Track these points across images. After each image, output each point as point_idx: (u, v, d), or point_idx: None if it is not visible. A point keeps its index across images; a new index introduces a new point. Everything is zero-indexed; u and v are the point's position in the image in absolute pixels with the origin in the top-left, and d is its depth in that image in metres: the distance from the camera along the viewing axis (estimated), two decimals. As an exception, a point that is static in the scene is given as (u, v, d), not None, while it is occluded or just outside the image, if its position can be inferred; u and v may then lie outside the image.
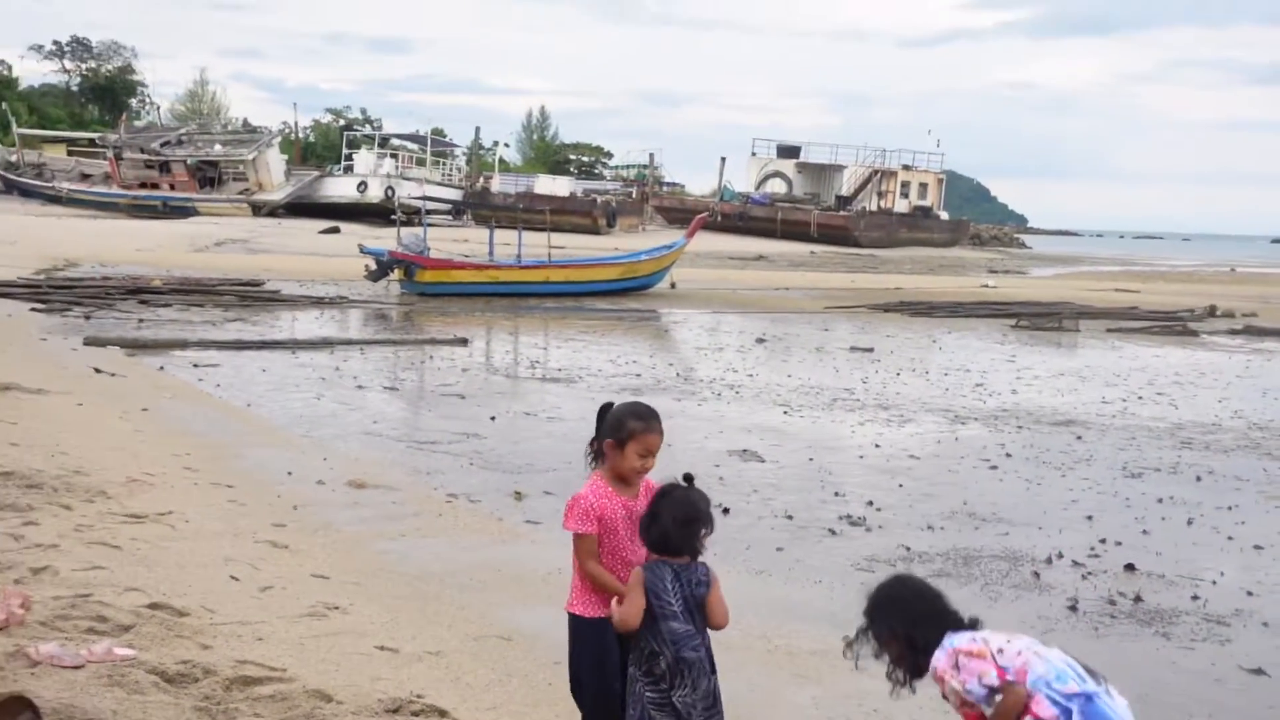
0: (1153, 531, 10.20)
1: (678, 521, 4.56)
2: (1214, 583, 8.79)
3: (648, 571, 4.60)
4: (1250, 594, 8.55)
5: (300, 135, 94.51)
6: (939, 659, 3.95)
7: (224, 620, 6.50)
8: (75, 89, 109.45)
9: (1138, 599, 8.30)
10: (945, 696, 4.05)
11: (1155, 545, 9.76)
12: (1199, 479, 12.39)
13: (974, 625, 4.07)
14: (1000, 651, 3.89)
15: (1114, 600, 8.27)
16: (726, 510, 10.28)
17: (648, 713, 4.51)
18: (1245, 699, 6.64)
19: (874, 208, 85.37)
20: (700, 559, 4.68)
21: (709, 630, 4.73)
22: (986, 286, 44.43)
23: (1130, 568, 9.03)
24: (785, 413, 15.68)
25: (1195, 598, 8.41)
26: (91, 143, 79.57)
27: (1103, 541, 9.75)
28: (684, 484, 4.69)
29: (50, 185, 72.01)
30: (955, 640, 3.96)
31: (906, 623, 4.08)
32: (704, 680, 4.58)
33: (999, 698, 3.81)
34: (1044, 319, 30.49)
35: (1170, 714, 6.36)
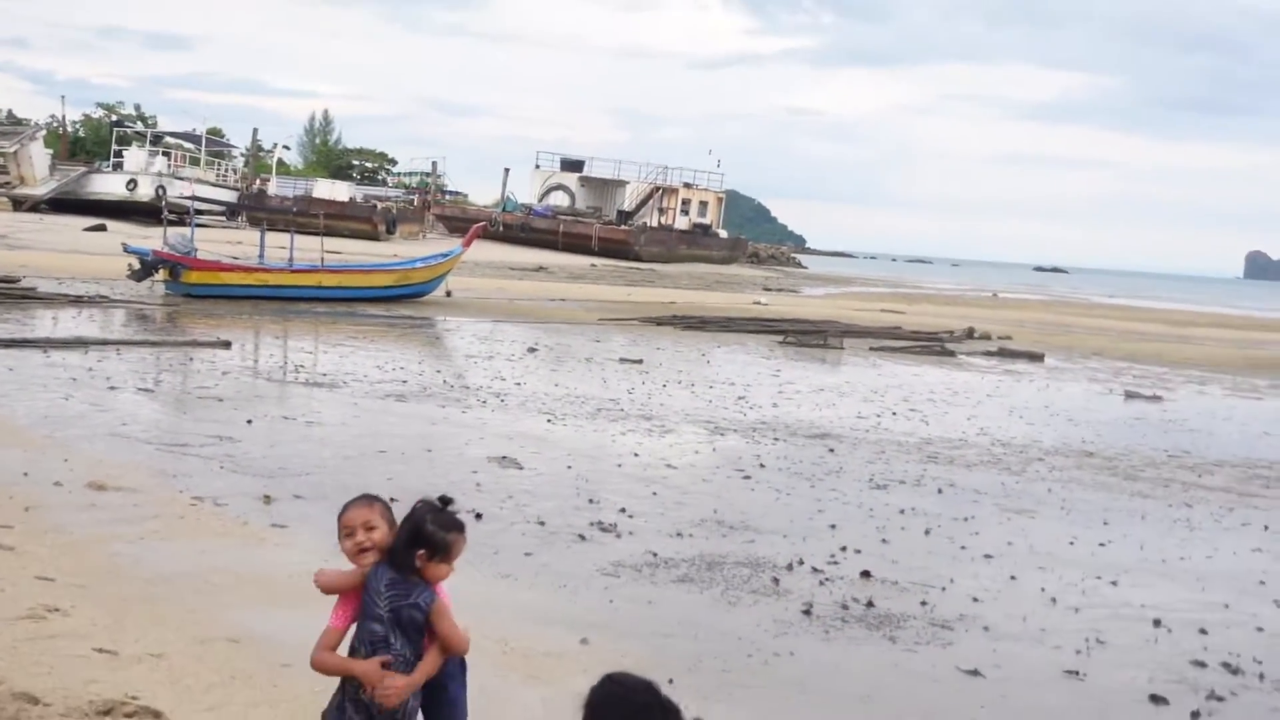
0: (892, 540, 10.57)
1: (401, 538, 4.51)
2: (943, 589, 9.15)
3: (373, 568, 4.56)
4: (976, 600, 8.93)
5: (68, 129, 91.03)
6: None
7: (-68, 623, 6.24)
8: None
9: (870, 604, 8.59)
10: None
11: (893, 554, 10.11)
12: (940, 491, 12.89)
13: None
14: None
15: (847, 605, 8.54)
16: (479, 516, 10.29)
17: (346, 705, 4.48)
18: (960, 699, 6.94)
19: (655, 223, 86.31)
20: (430, 584, 4.54)
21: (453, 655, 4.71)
22: (759, 304, 45.35)
23: (866, 574, 9.34)
24: (549, 421, 15.75)
25: (924, 603, 8.75)
26: None
27: (843, 549, 10.05)
28: (433, 504, 4.60)
29: None
30: None
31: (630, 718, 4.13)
32: None
33: None
34: (810, 336, 31.27)
35: (888, 713, 6.60)
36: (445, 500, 4.64)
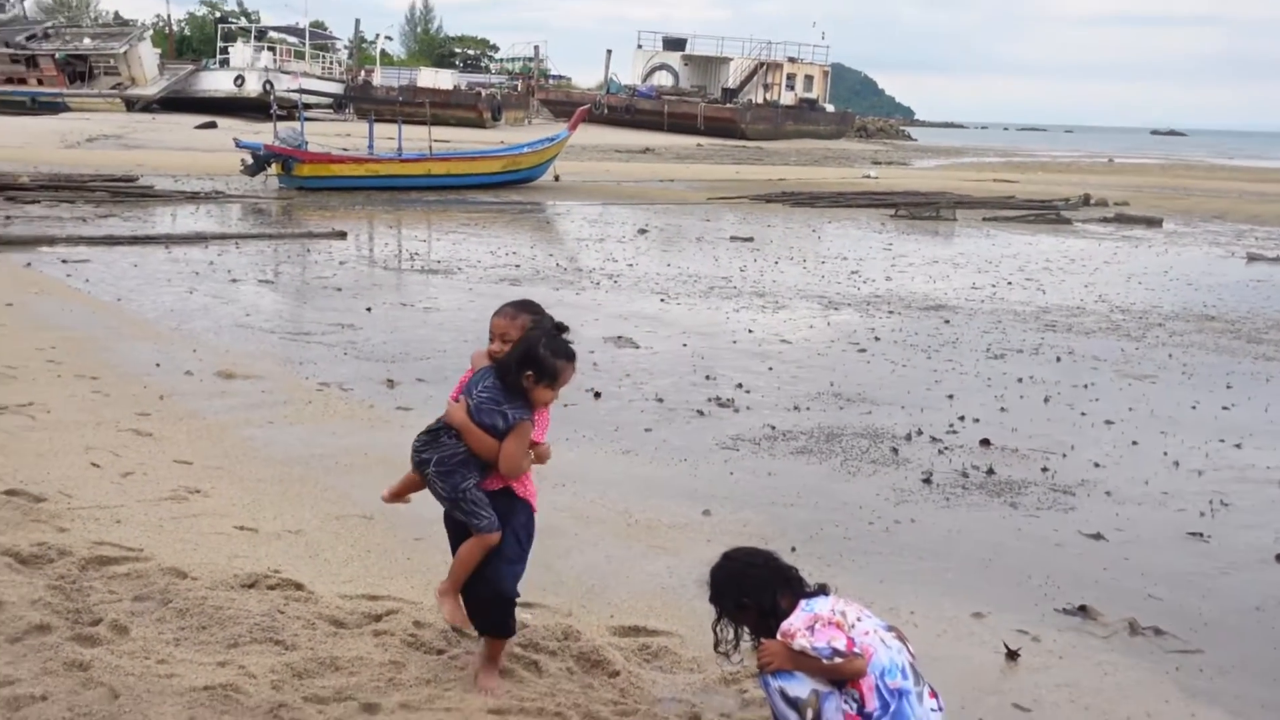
0: (1010, 409, 10.52)
1: (513, 356, 4.57)
2: (1064, 456, 9.10)
3: (483, 368, 4.70)
4: (1097, 465, 8.88)
5: (174, 28, 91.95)
6: (796, 620, 4.09)
7: (82, 505, 6.50)
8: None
9: (990, 471, 8.59)
10: (765, 656, 4.19)
11: (1012, 422, 10.07)
12: (1059, 359, 12.75)
13: (823, 590, 4.23)
14: (853, 626, 4.07)
15: (967, 473, 8.54)
16: (598, 394, 10.43)
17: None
18: (1082, 561, 6.93)
19: (760, 100, 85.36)
20: (531, 406, 4.61)
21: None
22: (868, 177, 44.80)
23: (985, 443, 9.32)
24: (663, 300, 15.81)
25: (1045, 470, 8.72)
26: (-47, 37, 76.65)
27: (961, 419, 10.03)
28: (549, 329, 4.64)
29: (-90, 80, 69.38)
30: (815, 606, 4.12)
31: (754, 591, 4.22)
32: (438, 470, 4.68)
33: (839, 660, 3.99)
34: (922, 208, 30.86)
35: (1012, 577, 6.62)
36: (561, 327, 4.68)
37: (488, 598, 4.66)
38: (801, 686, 4.05)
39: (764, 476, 8.35)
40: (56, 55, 69.29)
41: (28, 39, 70.53)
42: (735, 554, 4.41)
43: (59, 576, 5.32)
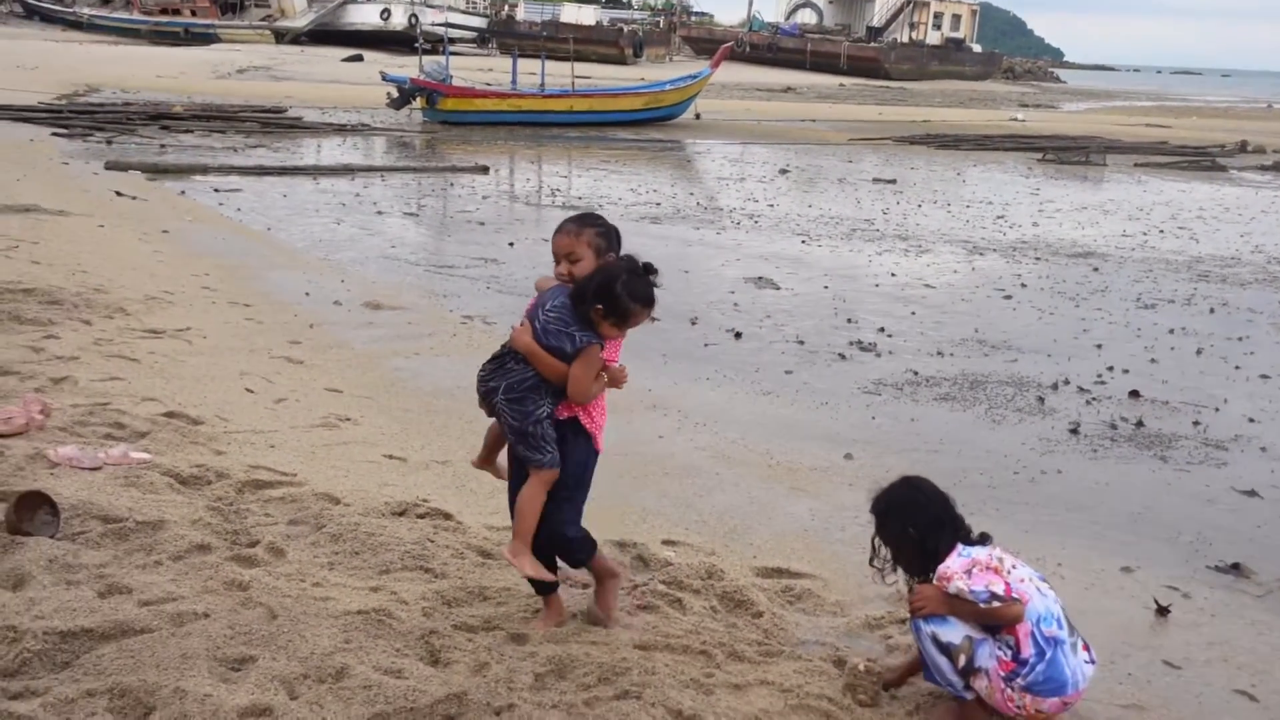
0: (1161, 360, 10.26)
1: (590, 284, 4.29)
2: (1217, 410, 8.87)
3: (556, 285, 4.44)
4: (1252, 420, 8.64)
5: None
6: (954, 563, 4.04)
7: (238, 429, 6.67)
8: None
9: (1139, 424, 8.40)
10: (915, 595, 4.15)
11: (1162, 374, 9.83)
12: (1212, 311, 12.41)
13: (984, 540, 4.17)
14: (1010, 571, 4.02)
15: (1115, 425, 8.37)
16: (739, 335, 10.41)
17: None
18: (1235, 518, 6.76)
19: (905, 39, 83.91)
20: (596, 335, 4.34)
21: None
22: (1015, 120, 43.89)
23: (1135, 394, 9.11)
24: (804, 242, 15.70)
25: (1196, 423, 8.50)
26: (113, -32, 78.53)
27: (1110, 369, 9.81)
28: (635, 266, 4.36)
29: (71, 10, 71.24)
30: (973, 551, 4.07)
31: (923, 525, 4.17)
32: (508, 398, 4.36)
33: (997, 604, 3.94)
34: (1070, 153, 30.18)
35: (1162, 532, 6.48)
36: (649, 268, 4.39)
37: (543, 538, 4.46)
38: (955, 632, 4.02)
39: (906, 422, 8.27)
40: (209, -13, 70.60)
41: (183, -30, 71.92)
42: (917, 482, 4.36)
43: (217, 498, 5.47)
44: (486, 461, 4.77)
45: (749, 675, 4.34)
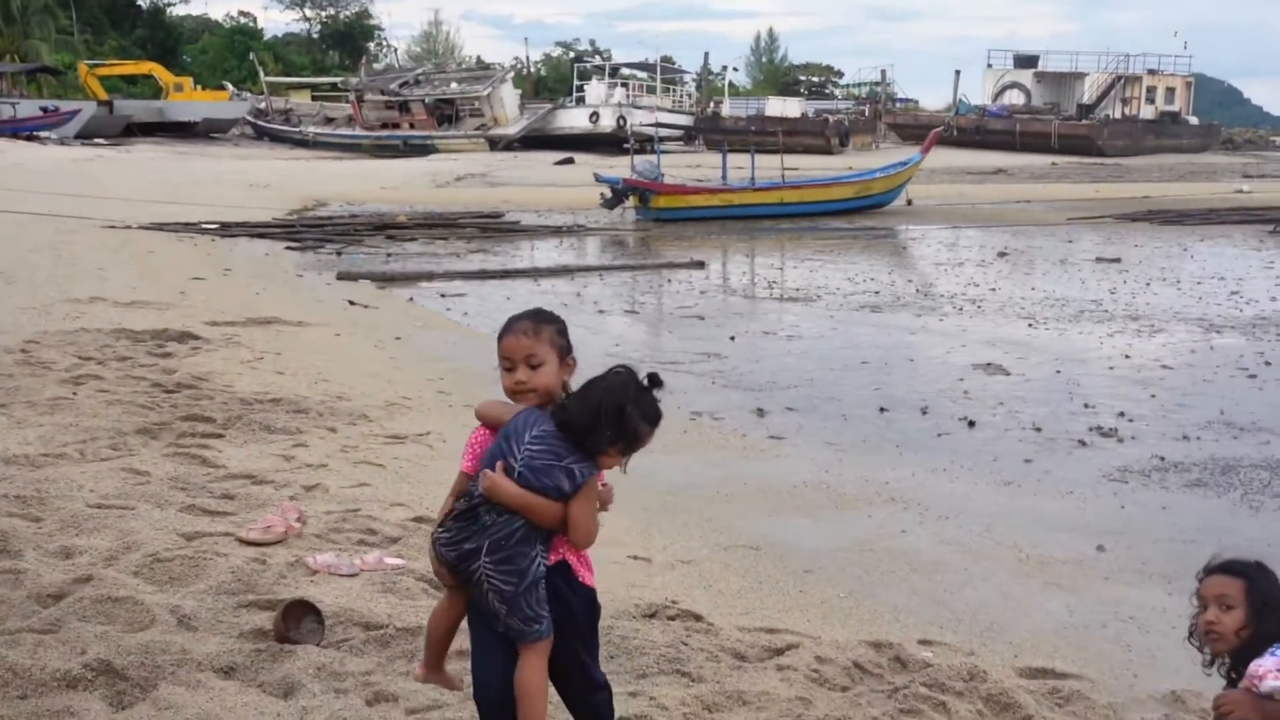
0: None
1: (592, 413, 3.67)
2: None
3: (527, 409, 3.76)
4: None
5: (532, 70, 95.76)
6: (1267, 660, 3.77)
7: (484, 532, 6.77)
8: (316, 36, 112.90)
9: None
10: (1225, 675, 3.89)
11: None
12: None
13: None
14: None
15: (1386, 508, 7.92)
16: (972, 423, 10.21)
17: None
18: None
19: (1118, 115, 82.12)
20: (595, 464, 3.75)
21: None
22: (1241, 192, 42.41)
23: (1404, 475, 8.62)
24: (1030, 325, 15.37)
25: None
26: (334, 87, 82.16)
27: (1374, 450, 9.32)
28: (638, 380, 3.78)
29: (297, 130, 74.61)
30: None
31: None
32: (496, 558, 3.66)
33: None
34: (1305, 223, 28.97)
35: None
36: (654, 381, 3.78)
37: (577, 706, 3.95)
38: None
39: (1158, 510, 7.97)
40: (426, 100, 73.28)
41: (400, 86, 74.88)
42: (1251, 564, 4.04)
43: (471, 601, 5.54)
44: (435, 669, 3.97)
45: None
